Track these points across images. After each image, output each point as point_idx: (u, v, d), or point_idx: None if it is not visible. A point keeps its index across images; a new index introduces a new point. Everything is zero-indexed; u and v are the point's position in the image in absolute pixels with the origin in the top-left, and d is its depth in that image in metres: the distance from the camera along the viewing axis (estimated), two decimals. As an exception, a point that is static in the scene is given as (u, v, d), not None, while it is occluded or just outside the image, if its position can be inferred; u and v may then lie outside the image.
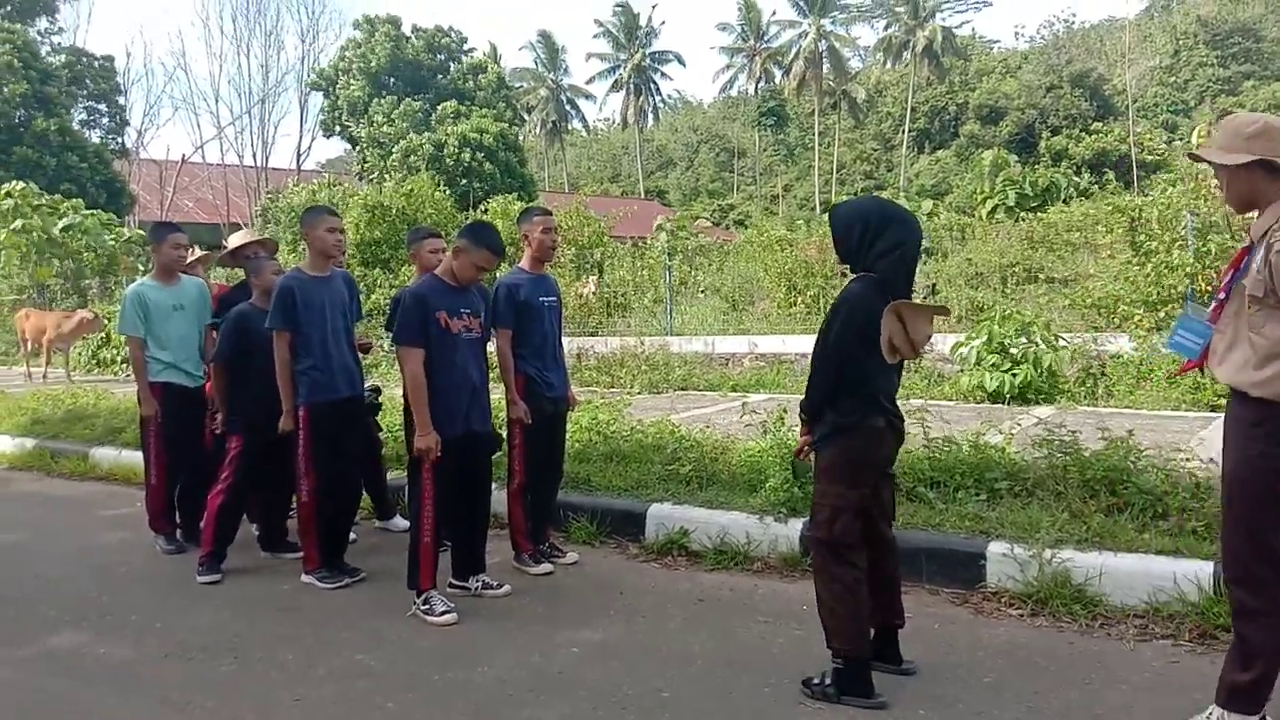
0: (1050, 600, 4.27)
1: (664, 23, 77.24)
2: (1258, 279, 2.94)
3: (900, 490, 5.23)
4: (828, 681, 3.47)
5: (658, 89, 65.48)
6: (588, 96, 65.34)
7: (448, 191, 16.61)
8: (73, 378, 15.30)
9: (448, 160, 27.25)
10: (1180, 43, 62.50)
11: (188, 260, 5.90)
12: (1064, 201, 28.56)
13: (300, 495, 5.00)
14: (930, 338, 3.54)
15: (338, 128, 34.22)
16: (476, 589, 4.72)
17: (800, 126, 67.78)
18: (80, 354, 17.40)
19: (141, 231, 22.93)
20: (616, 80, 62.92)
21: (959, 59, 60.53)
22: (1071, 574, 4.31)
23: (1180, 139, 52.43)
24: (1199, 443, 6.50)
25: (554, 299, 5.19)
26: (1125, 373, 8.83)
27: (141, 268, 19.93)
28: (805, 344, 11.83)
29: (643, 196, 56.71)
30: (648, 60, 62.54)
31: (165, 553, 5.70)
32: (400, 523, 6.01)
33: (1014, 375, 8.59)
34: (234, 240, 5.56)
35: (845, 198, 44.44)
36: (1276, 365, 2.90)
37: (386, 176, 22.78)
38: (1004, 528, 4.69)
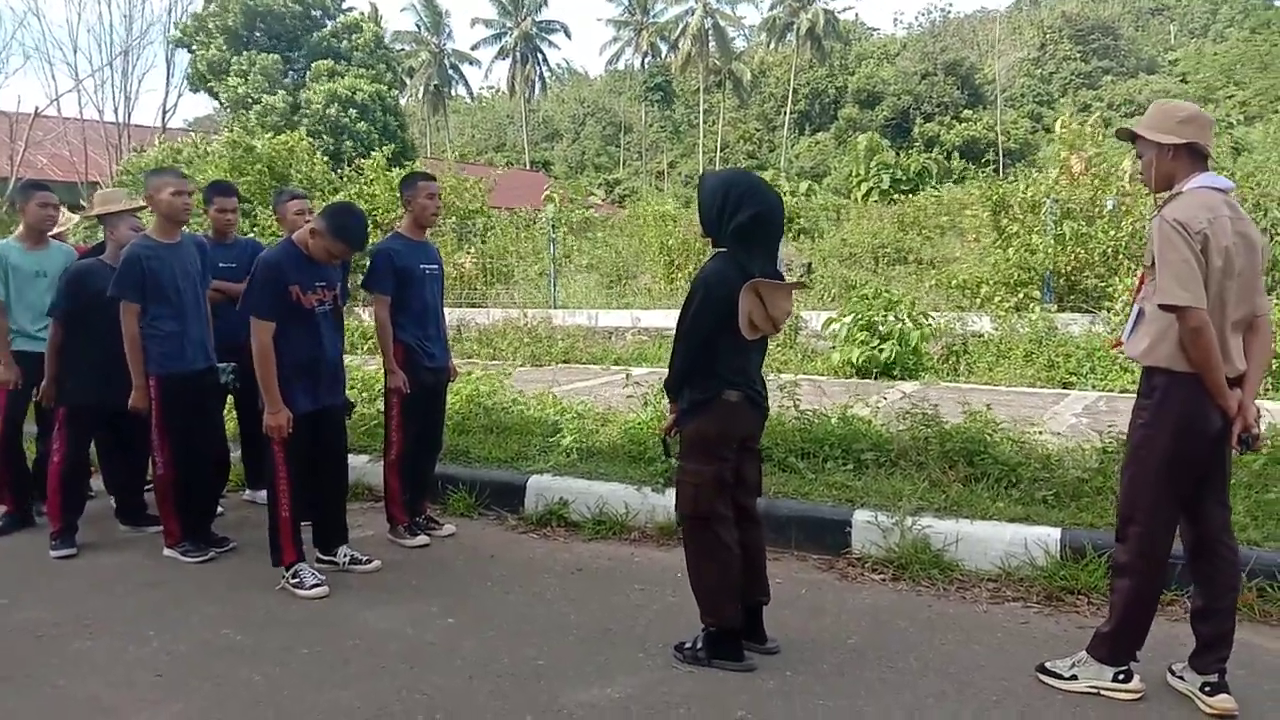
0: (910, 565, 4.47)
1: (552, -9, 75.80)
2: (1148, 250, 3.15)
3: (772, 461, 5.40)
4: (699, 646, 3.57)
5: (545, 59, 64.72)
6: (472, 62, 64.02)
7: (320, 154, 15.95)
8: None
9: (310, 119, 25.95)
10: (1046, 36, 65.43)
11: (60, 224, 5.55)
12: (934, 187, 29.70)
13: (156, 468, 4.82)
14: (790, 313, 3.62)
15: (203, 85, 32.56)
16: (344, 563, 4.64)
17: (686, 104, 68.14)
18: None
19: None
20: (502, 48, 61.86)
21: (840, 43, 61.81)
22: (931, 540, 4.53)
23: (1045, 128, 55.08)
24: (1051, 417, 6.89)
25: (435, 267, 5.10)
26: (986, 350, 9.28)
27: None
28: (686, 318, 12.00)
29: (529, 167, 56.08)
30: (535, 29, 61.67)
31: None
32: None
33: (880, 351, 8.91)
34: (103, 205, 5.23)
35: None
36: (1154, 331, 3.11)
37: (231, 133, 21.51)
38: (869, 496, 4.89)
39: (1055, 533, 4.39)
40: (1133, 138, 3.30)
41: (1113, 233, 9.69)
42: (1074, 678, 3.33)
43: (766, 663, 3.56)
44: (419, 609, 4.13)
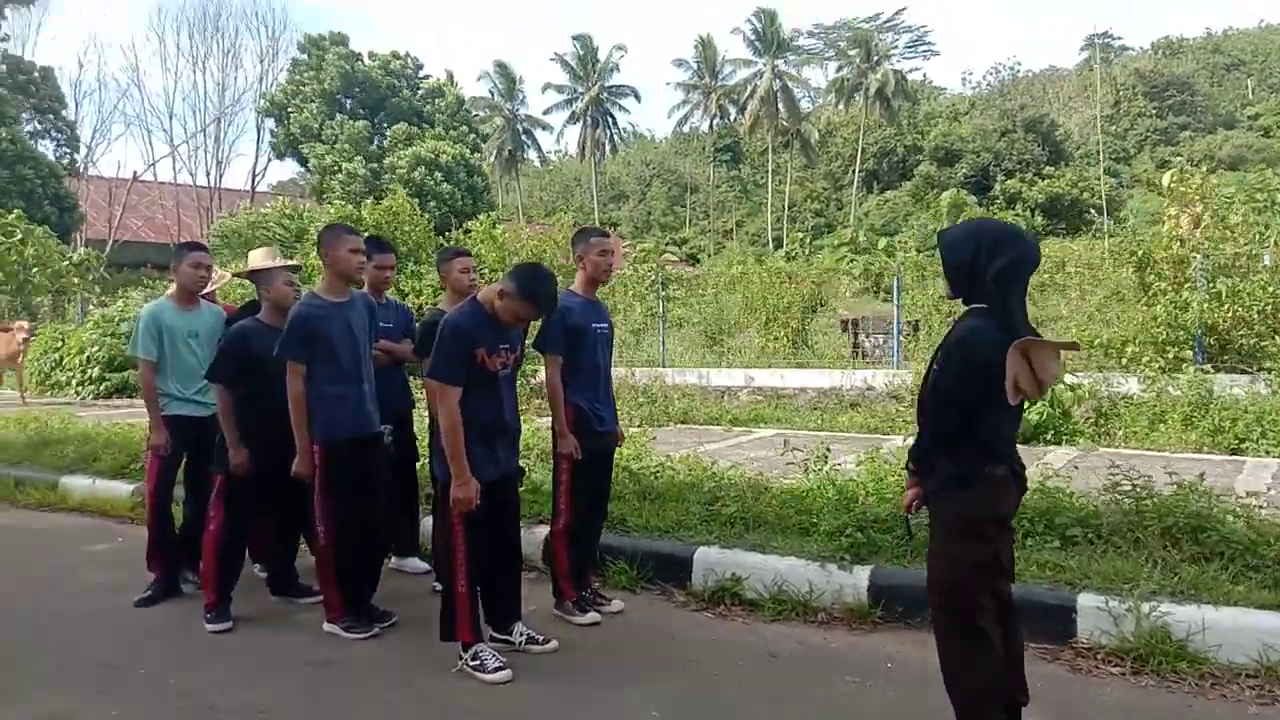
0: (1150, 658, 3.99)
1: (624, 55, 77.11)
2: None
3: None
4: (956, 753, 3.13)
5: (614, 122, 65.59)
6: (544, 127, 65.02)
7: (424, 215, 16.00)
8: (26, 399, 14.45)
9: (396, 183, 26.33)
10: (1120, 93, 64.53)
11: (212, 283, 5.42)
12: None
13: (318, 539, 4.54)
14: (1057, 376, 3.21)
15: (288, 151, 33.39)
16: (520, 643, 4.29)
17: (753, 164, 68.39)
18: (32, 375, 16.46)
19: (85, 251, 21.98)
20: (573, 112, 62.87)
21: (909, 102, 61.67)
22: (1171, 629, 4.04)
23: (1123, 185, 54.00)
24: (1245, 487, 6.33)
25: (606, 326, 4.83)
26: (1138, 413, 8.71)
27: (80, 289, 18.99)
28: (803, 379, 11.62)
29: (555, 228, 56.44)
30: (605, 93, 62.63)
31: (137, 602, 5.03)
32: (417, 564, 5.58)
33: (1028, 415, 8.41)
34: (259, 262, 5.08)
35: (800, 235, 44.10)
36: None
37: (334, 205, 21.88)
38: (1089, 578, 4.42)
39: (1322, 624, 3.87)
40: None
41: (1272, 289, 9.10)
42: None
43: (1034, 775, 3.11)
44: (617, 700, 3.76)
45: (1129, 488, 4.97)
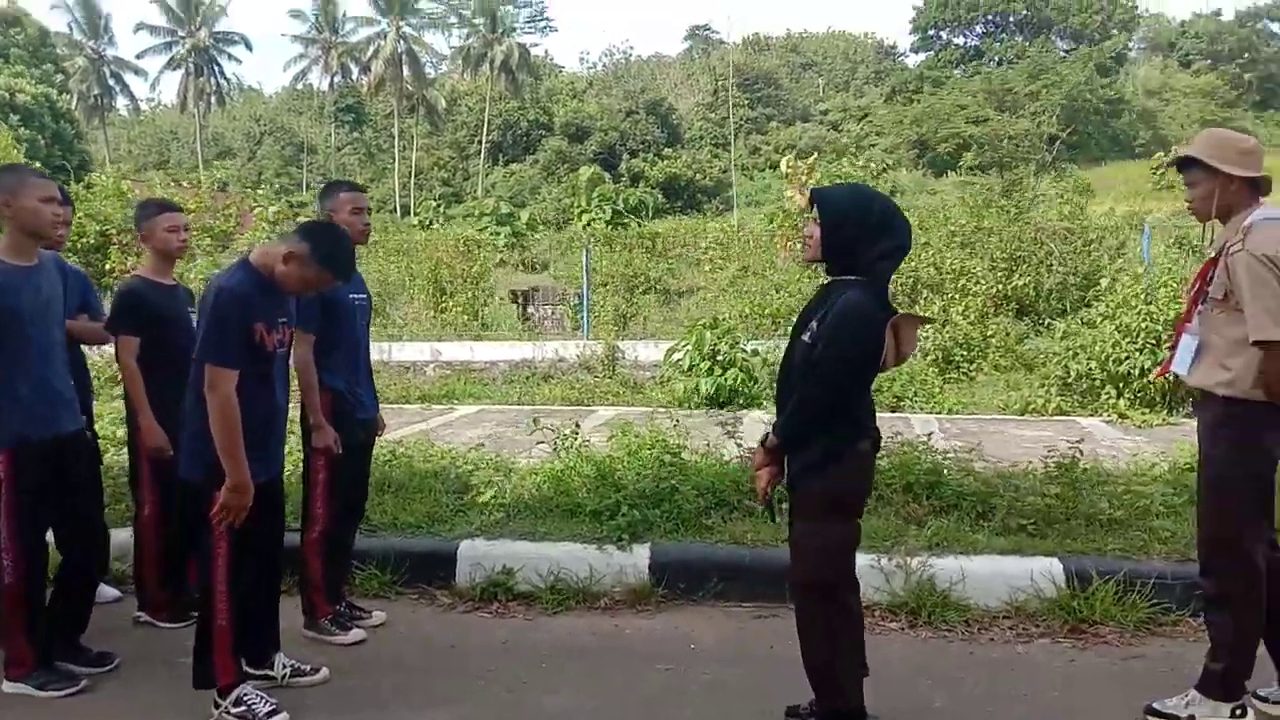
0: (922, 610, 4.24)
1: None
2: (1219, 283, 3.10)
3: (728, 506, 5.00)
4: (817, 733, 3.08)
5: (221, 71, 59.82)
6: (137, 72, 57.64)
7: (33, 162, 13.32)
8: None
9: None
10: (719, 83, 70.34)
11: None
12: (649, 219, 30.74)
13: (3, 574, 3.50)
14: (916, 349, 3.27)
15: None
16: (284, 677, 3.61)
17: (375, 127, 65.92)
18: None
19: None
20: (173, 58, 56.37)
21: (531, 77, 62.66)
22: (936, 580, 4.32)
23: (723, 171, 59.06)
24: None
25: (364, 296, 4.20)
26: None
27: None
28: (492, 351, 11.24)
29: (201, 186, 51.31)
30: (211, 40, 56.82)
31: None
32: (109, 591, 4.54)
33: (724, 380, 8.78)
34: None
35: (432, 202, 43.13)
36: (1237, 364, 3.06)
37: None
38: (853, 539, 4.60)
39: (1056, 563, 4.34)
40: (1183, 166, 3.26)
41: (910, 261, 10.27)
42: (1191, 718, 3.22)
43: (883, 744, 3.14)
44: (427, 729, 3.28)
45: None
